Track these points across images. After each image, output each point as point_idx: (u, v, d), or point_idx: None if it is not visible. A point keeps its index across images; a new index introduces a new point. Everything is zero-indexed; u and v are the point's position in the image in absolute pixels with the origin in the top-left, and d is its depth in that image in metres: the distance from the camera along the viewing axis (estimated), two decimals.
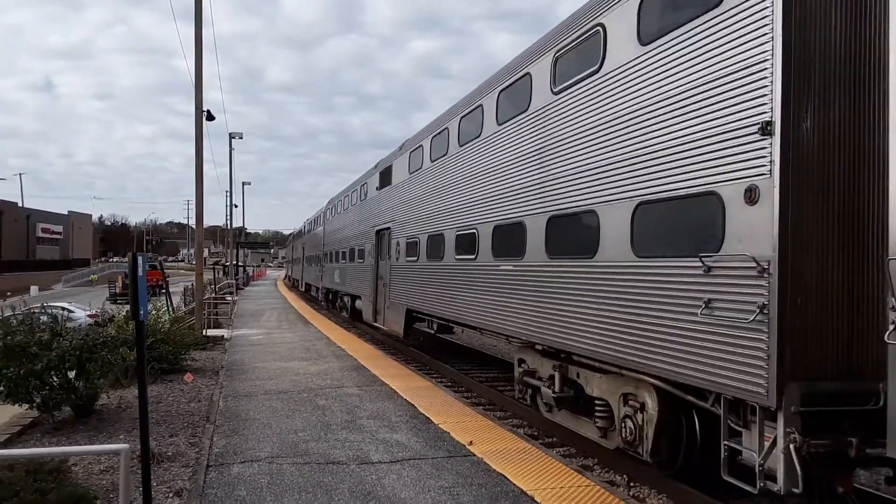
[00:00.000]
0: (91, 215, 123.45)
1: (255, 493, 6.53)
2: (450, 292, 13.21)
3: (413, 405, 10.52)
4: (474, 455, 7.80)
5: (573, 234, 8.61)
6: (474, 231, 11.86)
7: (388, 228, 18.85)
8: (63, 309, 25.33)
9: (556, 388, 9.17)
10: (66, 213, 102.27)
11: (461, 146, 12.85)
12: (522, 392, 10.57)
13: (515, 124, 10.30)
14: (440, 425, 9.22)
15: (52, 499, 5.70)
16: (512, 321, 10.21)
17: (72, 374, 9.35)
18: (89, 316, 24.22)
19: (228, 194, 58.02)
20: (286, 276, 75.30)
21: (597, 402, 8.37)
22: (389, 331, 18.67)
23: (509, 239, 10.37)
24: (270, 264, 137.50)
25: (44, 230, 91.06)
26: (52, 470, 6.16)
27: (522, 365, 10.50)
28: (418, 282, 15.62)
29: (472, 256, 11.90)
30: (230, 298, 33.41)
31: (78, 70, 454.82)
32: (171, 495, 6.66)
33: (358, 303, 23.99)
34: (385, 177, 19.95)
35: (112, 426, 9.36)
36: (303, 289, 47.94)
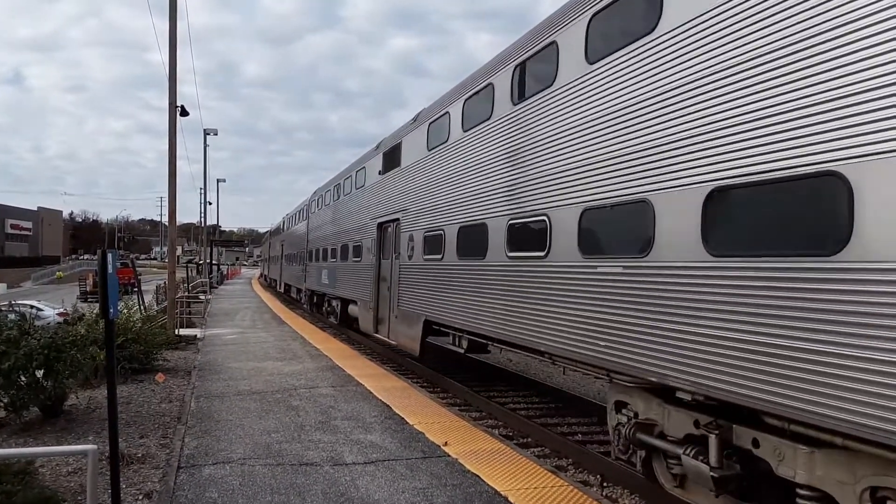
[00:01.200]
0: (61, 211, 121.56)
1: (226, 494, 6.45)
2: (496, 302, 10.21)
3: (388, 405, 10.48)
4: (449, 456, 7.79)
5: (774, 216, 5.39)
6: (543, 218, 8.85)
7: (396, 220, 15.70)
8: (31, 307, 24.91)
9: (714, 461, 5.97)
10: (35, 208, 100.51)
11: (517, 104, 9.81)
12: (626, 451, 7.54)
13: (632, 54, 7.20)
14: (415, 426, 9.20)
15: (17, 501, 5.58)
16: (618, 349, 7.11)
17: (40, 374, 9.17)
18: (59, 314, 23.82)
19: (203, 191, 57.50)
20: (261, 275, 74.58)
21: (802, 491, 5.31)
22: (399, 346, 15.55)
23: (617, 228, 7.45)
24: (245, 263, 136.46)
25: (13, 226, 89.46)
26: (18, 471, 6.03)
27: (624, 411, 7.61)
28: (443, 286, 12.56)
29: (541, 253, 8.88)
30: (203, 297, 33.08)
31: (48, 62, 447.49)
32: (140, 497, 6.55)
33: (352, 309, 20.65)
34: (391, 157, 16.60)
35: (81, 427, 9.19)
36: (281, 289, 45.88)
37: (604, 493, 7.74)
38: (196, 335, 20.18)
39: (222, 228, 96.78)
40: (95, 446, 4.92)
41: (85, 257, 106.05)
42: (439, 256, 12.81)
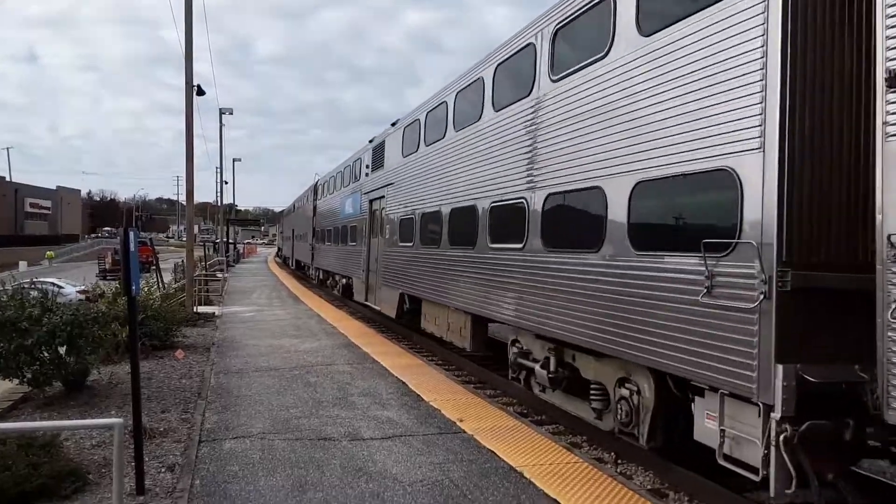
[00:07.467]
0: (80, 190, 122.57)
1: (247, 468, 6.58)
2: None
3: (404, 382, 10.59)
4: (464, 432, 7.88)
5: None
6: None
7: None
8: (53, 284, 25.20)
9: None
10: (54, 188, 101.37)
11: None
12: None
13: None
14: (431, 402, 9.29)
15: (44, 472, 5.73)
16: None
17: (62, 350, 9.34)
18: (79, 292, 24.11)
19: (219, 170, 57.54)
20: (277, 254, 74.29)
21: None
22: None
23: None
24: (262, 241, 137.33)
25: (32, 205, 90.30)
26: (44, 444, 6.19)
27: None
28: None
29: None
30: (221, 275, 33.35)
31: (61, 40, 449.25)
32: (163, 470, 6.68)
33: None
34: None
35: (103, 402, 9.37)
36: (337, 291, 26.68)
37: (618, 470, 7.78)
38: (214, 312, 20.42)
39: (238, 207, 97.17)
40: (122, 420, 5.03)
41: (98, 237, 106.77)
42: None
